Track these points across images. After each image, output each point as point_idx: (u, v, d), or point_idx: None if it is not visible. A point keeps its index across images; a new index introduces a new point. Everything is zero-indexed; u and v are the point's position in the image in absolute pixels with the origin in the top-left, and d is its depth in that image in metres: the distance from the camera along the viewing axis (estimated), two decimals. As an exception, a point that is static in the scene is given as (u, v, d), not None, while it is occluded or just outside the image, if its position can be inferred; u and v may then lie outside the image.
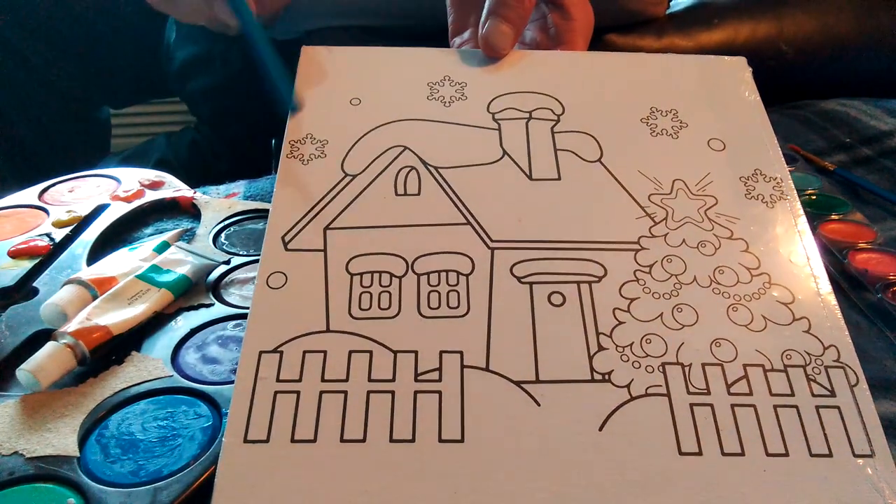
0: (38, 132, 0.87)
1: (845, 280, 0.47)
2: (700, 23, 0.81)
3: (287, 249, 0.36)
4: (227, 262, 0.48)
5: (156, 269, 0.44)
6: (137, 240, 0.52)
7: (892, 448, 0.31)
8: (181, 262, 0.45)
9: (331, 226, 0.37)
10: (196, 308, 0.44)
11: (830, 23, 0.81)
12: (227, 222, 0.54)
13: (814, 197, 0.56)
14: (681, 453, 0.30)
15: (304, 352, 0.33)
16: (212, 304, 0.44)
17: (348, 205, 0.38)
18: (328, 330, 0.33)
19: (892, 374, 0.39)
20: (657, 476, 0.30)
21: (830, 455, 0.30)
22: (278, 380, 0.32)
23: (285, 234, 0.36)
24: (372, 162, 0.39)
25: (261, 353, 0.32)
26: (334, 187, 0.38)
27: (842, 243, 0.50)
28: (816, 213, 0.54)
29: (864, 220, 0.53)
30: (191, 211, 0.56)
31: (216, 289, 0.46)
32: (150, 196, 0.56)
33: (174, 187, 0.58)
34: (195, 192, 0.57)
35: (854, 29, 0.81)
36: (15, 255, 0.48)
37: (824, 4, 0.81)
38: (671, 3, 0.84)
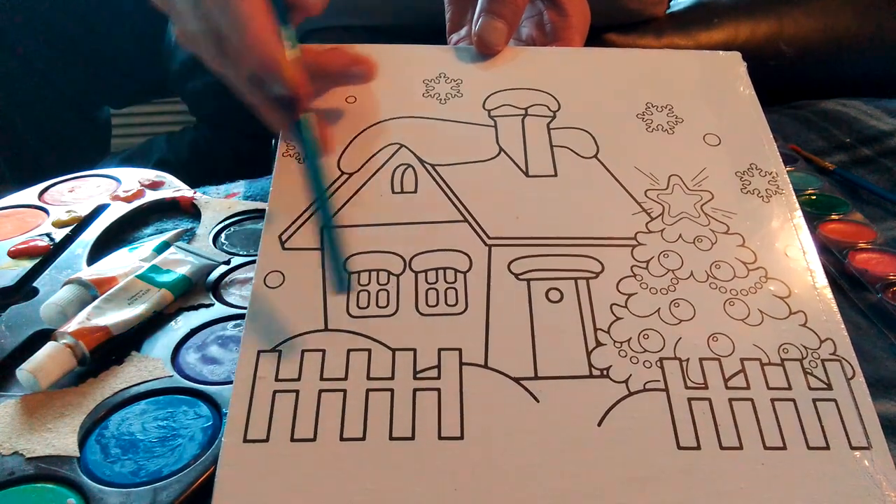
0: (38, 132, 0.87)
1: (845, 280, 0.47)
2: (700, 23, 0.81)
3: (284, 248, 0.36)
4: (227, 262, 0.48)
5: (156, 269, 0.44)
6: (137, 240, 0.52)
7: (892, 448, 0.31)
8: (181, 262, 0.46)
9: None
10: (196, 308, 0.44)
11: (830, 23, 0.81)
12: (226, 222, 0.54)
13: (814, 197, 0.56)
14: (679, 448, 0.30)
15: (303, 351, 0.33)
16: (212, 305, 0.44)
17: (345, 203, 0.38)
18: (326, 329, 0.33)
19: (892, 374, 0.39)
20: (656, 471, 0.30)
21: (828, 448, 0.30)
22: (277, 379, 0.32)
23: (282, 233, 0.36)
24: (368, 160, 0.39)
25: (259, 352, 0.33)
26: (331, 186, 0.38)
27: (842, 243, 0.49)
28: (816, 213, 0.53)
29: (864, 220, 0.52)
30: (191, 211, 0.56)
31: (216, 289, 0.46)
32: (150, 196, 0.56)
33: (174, 187, 0.58)
34: (195, 192, 0.57)
35: (854, 29, 0.81)
36: (15, 255, 0.49)
37: (824, 4, 0.81)
38: (671, 3, 0.84)
